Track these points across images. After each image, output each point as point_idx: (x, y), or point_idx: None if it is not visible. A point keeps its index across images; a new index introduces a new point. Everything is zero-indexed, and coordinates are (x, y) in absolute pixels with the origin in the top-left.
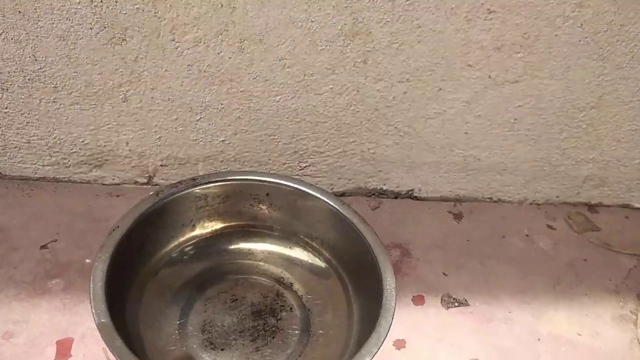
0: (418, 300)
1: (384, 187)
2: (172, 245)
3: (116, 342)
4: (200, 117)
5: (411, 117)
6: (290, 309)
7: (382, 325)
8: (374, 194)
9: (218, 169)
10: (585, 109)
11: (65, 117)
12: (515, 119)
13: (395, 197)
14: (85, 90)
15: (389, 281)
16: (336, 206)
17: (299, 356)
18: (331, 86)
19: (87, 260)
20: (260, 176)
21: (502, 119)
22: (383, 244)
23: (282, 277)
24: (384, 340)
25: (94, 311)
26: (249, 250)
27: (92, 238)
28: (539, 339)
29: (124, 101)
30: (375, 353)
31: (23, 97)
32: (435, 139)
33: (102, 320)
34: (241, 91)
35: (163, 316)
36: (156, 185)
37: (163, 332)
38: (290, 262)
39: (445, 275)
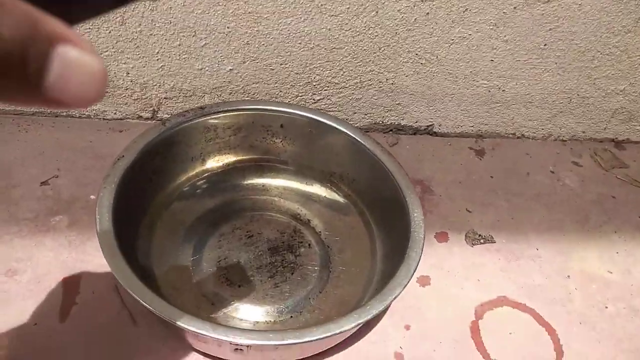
0: (441, 237)
1: (402, 122)
2: (182, 179)
3: (128, 277)
4: (205, 43)
5: (433, 43)
6: (309, 245)
7: (411, 257)
8: (391, 130)
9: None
10: (620, 33)
11: None
12: (545, 45)
13: (414, 133)
14: None
15: (417, 213)
16: (357, 137)
17: (320, 292)
18: (347, 6)
19: (92, 197)
20: (274, 106)
21: (531, 45)
22: (407, 175)
23: (299, 214)
24: (414, 272)
25: (101, 241)
26: (263, 186)
27: (96, 174)
28: (568, 277)
29: (122, 24)
30: (406, 285)
31: None
32: (459, 67)
33: (111, 253)
34: (249, 12)
35: (176, 253)
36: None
37: (177, 269)
38: (307, 198)
39: (469, 212)
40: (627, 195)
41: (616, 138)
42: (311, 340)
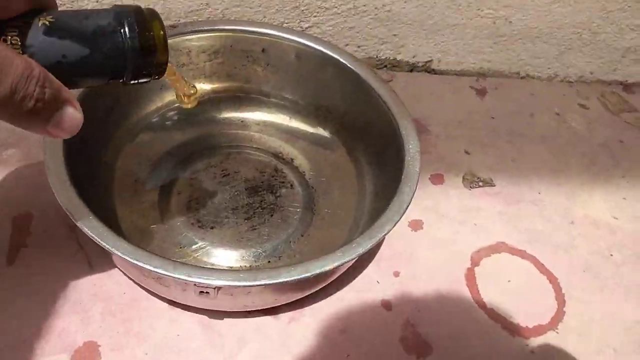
0: (436, 179)
1: (398, 58)
2: (150, 109)
3: (85, 215)
4: None
5: None
6: (291, 185)
7: (405, 192)
8: (385, 66)
9: None
10: None
11: None
12: None
13: (411, 70)
14: None
15: (412, 145)
16: (348, 63)
17: (301, 236)
18: None
19: None
20: (255, 27)
21: None
22: (404, 106)
23: (281, 152)
24: (406, 209)
25: (50, 174)
26: (242, 121)
27: None
28: (572, 222)
29: None
30: (397, 222)
31: None
32: None
33: (62, 188)
34: None
35: (141, 191)
36: None
37: (142, 209)
38: (291, 134)
39: (468, 153)
40: (636, 140)
41: (626, 81)
42: (288, 281)
